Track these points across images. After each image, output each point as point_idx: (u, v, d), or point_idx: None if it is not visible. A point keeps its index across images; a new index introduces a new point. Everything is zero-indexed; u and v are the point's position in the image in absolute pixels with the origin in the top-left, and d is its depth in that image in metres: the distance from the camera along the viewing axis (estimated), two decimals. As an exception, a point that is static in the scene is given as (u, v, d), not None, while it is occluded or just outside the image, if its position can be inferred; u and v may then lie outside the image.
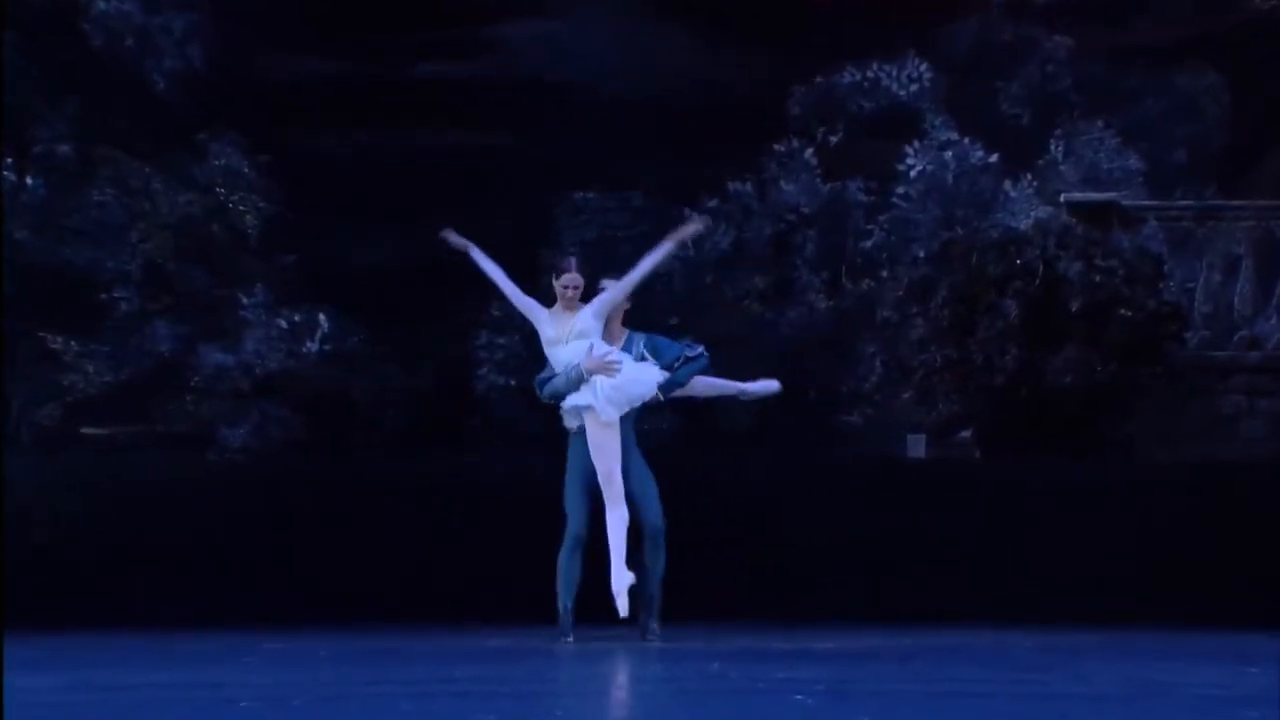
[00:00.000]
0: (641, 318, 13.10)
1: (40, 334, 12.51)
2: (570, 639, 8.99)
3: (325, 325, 12.70)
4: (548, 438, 13.03)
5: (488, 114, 13.14)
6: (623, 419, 9.01)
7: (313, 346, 12.33)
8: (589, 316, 8.87)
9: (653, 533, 8.99)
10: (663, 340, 9.27)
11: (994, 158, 13.15)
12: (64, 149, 12.58)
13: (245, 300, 12.80)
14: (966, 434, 12.90)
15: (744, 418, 12.97)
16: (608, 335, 9.01)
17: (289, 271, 12.98)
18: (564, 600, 9.07)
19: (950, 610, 10.83)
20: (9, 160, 12.45)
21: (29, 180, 12.53)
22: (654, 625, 9.00)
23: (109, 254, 12.61)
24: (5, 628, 8.64)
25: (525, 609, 9.43)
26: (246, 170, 12.87)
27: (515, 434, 13.01)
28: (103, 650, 9.09)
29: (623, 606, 8.66)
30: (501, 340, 13.18)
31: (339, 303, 13.04)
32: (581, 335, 8.91)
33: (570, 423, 9.14)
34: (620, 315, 9.13)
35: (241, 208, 12.90)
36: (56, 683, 7.22)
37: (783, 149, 13.17)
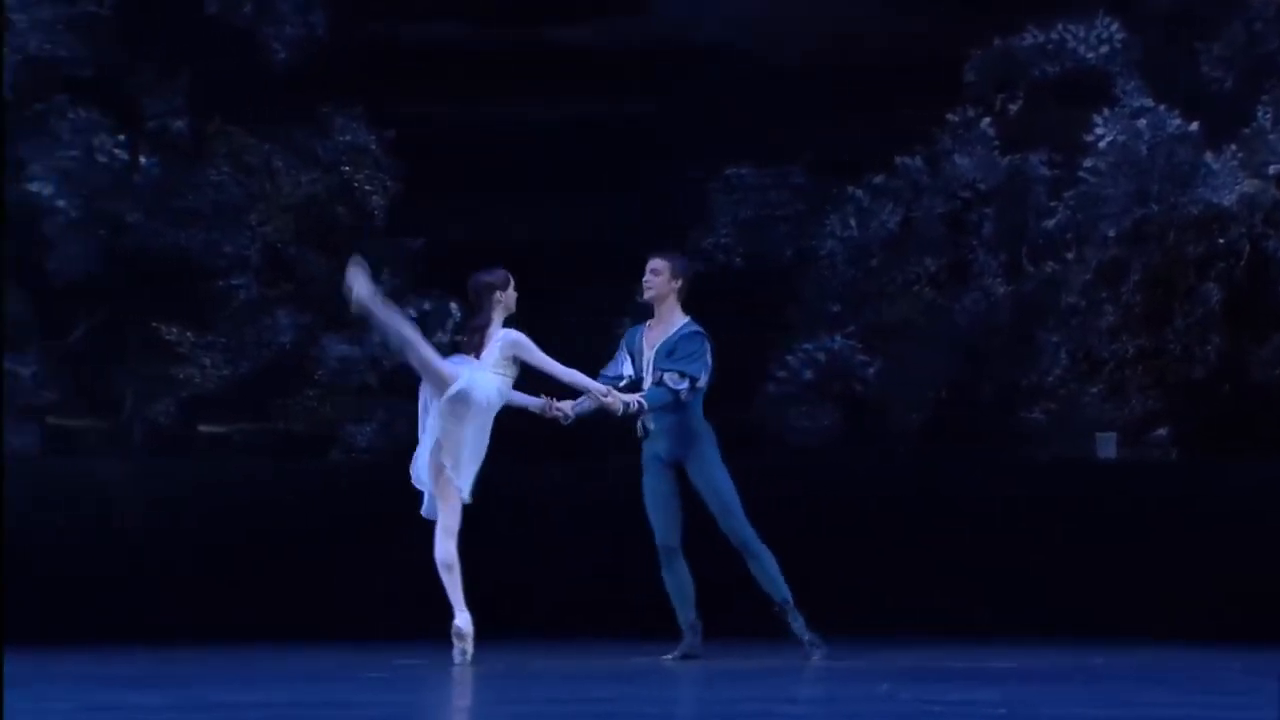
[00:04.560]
0: (796, 303, 13.10)
1: (153, 324, 12.72)
2: (696, 655, 9.06)
3: (457, 314, 12.80)
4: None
5: (631, 82, 13.16)
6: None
7: (444, 337, 12.42)
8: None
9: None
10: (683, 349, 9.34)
11: (1193, 126, 12.95)
12: (178, 125, 12.76)
13: (371, 287, 12.93)
14: (1162, 433, 12.75)
15: (913, 415, 12.91)
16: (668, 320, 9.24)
17: (418, 255, 13.10)
18: (682, 615, 9.19)
19: (1142, 627, 10.73)
20: (120, 138, 12.65)
21: (142, 159, 12.73)
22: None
23: (226, 238, 12.78)
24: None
25: (658, 624, 9.49)
26: (373, 146, 12.99)
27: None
28: (211, 666, 9.26)
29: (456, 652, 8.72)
30: (647, 329, 13.21)
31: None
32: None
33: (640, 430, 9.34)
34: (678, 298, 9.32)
35: (368, 187, 13.02)
36: (166, 701, 7.37)
37: (956, 119, 13.07)
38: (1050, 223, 12.90)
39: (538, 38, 13.32)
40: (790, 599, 9.24)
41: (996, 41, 13.06)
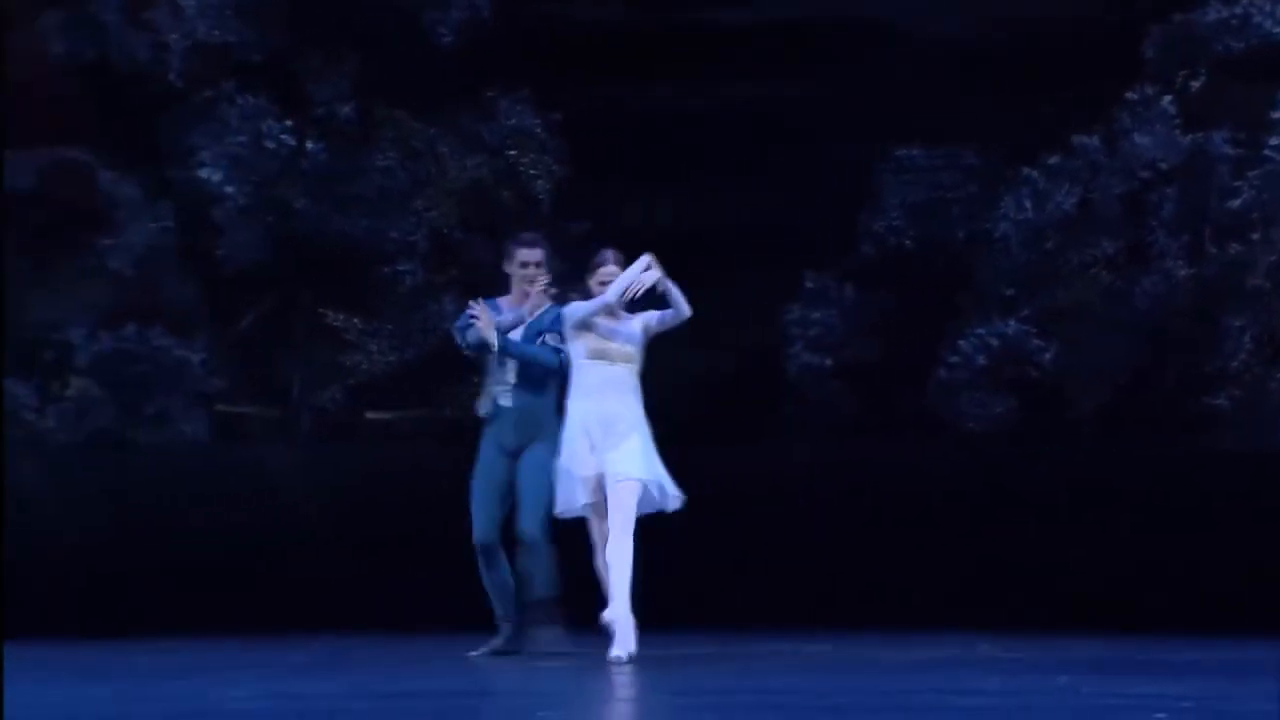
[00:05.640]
0: (969, 287, 13.00)
1: (320, 310, 12.88)
2: (512, 652, 8.84)
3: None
4: (867, 424, 13.05)
5: (797, 62, 13.13)
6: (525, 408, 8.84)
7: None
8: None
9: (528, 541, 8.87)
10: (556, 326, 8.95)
11: (1384, 101, 12.69)
12: (345, 110, 12.90)
13: (538, 272, 13.01)
14: (1354, 419, 12.53)
15: (1090, 401, 12.77)
16: (522, 308, 8.94)
17: (583, 240, 13.15)
18: (501, 610, 8.92)
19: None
20: (288, 123, 12.82)
21: (309, 145, 12.88)
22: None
23: (392, 224, 12.90)
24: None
25: (854, 611, 9.47)
26: (538, 130, 13.06)
27: (830, 420, 13.02)
28: (385, 654, 9.38)
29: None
30: (816, 315, 13.19)
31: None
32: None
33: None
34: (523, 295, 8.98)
35: (532, 171, 13.09)
36: (341, 688, 7.49)
37: (1135, 96, 12.89)
38: (1234, 203, 12.70)
39: (702, 20, 13.33)
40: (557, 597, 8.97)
41: (1177, 16, 12.86)
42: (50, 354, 12.46)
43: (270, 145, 12.72)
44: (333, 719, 6.36)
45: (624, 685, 7.57)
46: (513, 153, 13.07)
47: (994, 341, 12.84)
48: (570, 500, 8.63)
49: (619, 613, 8.41)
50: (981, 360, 12.82)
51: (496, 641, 8.96)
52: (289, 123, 12.79)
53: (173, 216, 12.68)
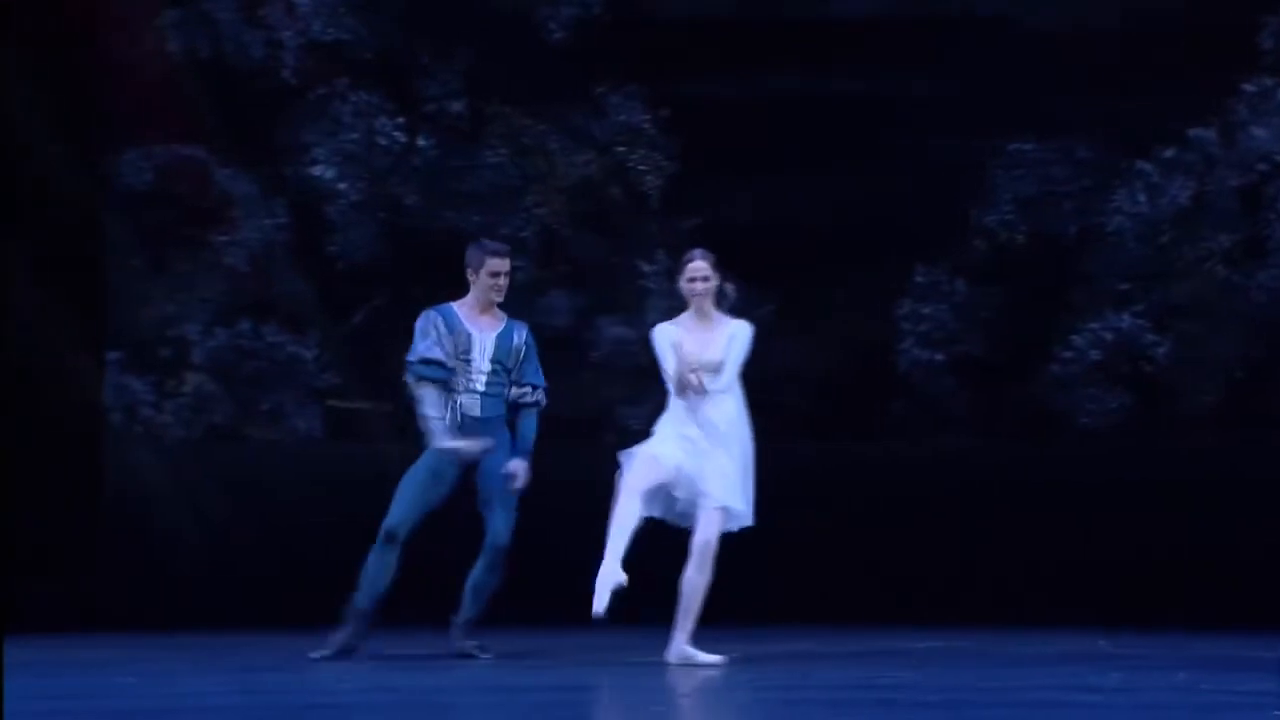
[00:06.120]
0: (1082, 282, 12.95)
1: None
2: (354, 649, 8.72)
3: (732, 295, 12.87)
4: (978, 419, 13.02)
5: (908, 56, 13.10)
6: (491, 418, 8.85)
7: (718, 318, 12.49)
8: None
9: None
10: (534, 350, 9.06)
11: None
12: (455, 107, 13.03)
13: (646, 268, 13.09)
14: None
15: (1206, 397, 12.68)
16: (483, 316, 8.88)
17: (691, 235, 13.19)
18: (364, 602, 8.81)
19: None
20: (400, 120, 12.97)
21: (420, 141, 13.03)
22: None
23: (502, 219, 13.01)
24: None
25: (966, 607, 9.46)
26: (647, 126, 13.12)
27: (941, 415, 12.99)
28: (507, 648, 9.45)
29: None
30: (927, 309, 13.17)
31: (746, 269, 13.16)
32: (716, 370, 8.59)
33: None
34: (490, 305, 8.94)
35: (642, 167, 13.16)
36: (455, 682, 7.57)
37: (1253, 88, 12.79)
38: (1356, 196, 12.58)
39: (812, 14, 13.33)
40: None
41: (1296, 5, 12.75)
42: (167, 350, 12.68)
43: (382, 142, 12.87)
44: (450, 713, 6.43)
45: (733, 682, 7.60)
46: (622, 149, 13.14)
47: (1108, 336, 12.78)
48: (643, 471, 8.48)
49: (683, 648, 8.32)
50: (1095, 355, 12.77)
51: (340, 637, 8.81)
52: (401, 120, 12.94)
53: (287, 213, 12.86)
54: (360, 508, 11.60)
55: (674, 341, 8.64)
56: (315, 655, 8.75)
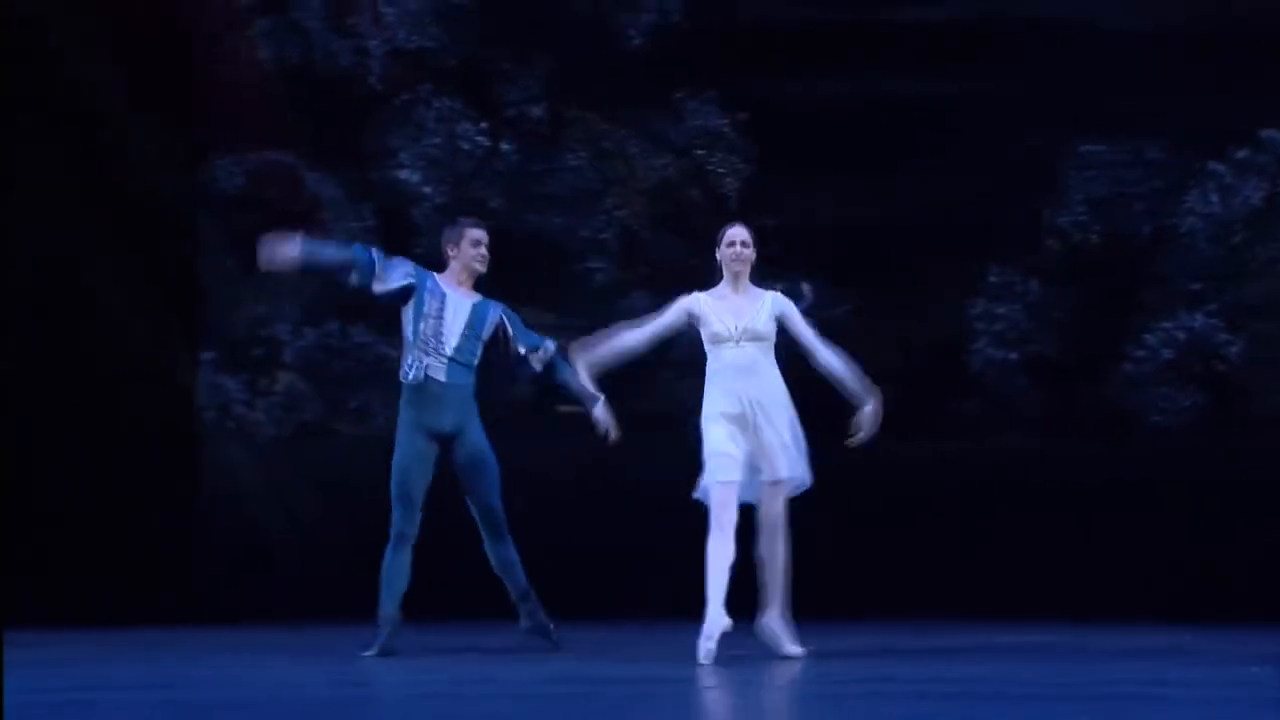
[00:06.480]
0: (1155, 282, 12.97)
1: (513, 307, 13.16)
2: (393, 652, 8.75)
3: (809, 295, 13.02)
4: (1051, 418, 13.07)
5: (982, 57, 13.15)
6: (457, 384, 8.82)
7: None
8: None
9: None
10: (519, 321, 9.18)
11: None
12: (536, 111, 13.25)
13: (728, 270, 13.19)
14: None
15: (1278, 397, 12.72)
16: (461, 287, 8.95)
17: (768, 236, 13.30)
18: (389, 605, 8.84)
19: None
20: (482, 125, 13.19)
21: (502, 146, 13.26)
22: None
23: (583, 222, 13.21)
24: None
25: (1045, 603, 9.46)
26: (725, 129, 13.28)
27: (1014, 414, 13.06)
28: (576, 640, 9.61)
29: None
30: (1000, 309, 13.25)
31: (823, 269, 13.29)
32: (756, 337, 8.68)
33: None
34: (471, 278, 8.99)
35: (720, 170, 13.32)
36: (537, 674, 7.72)
37: (1327, 88, 12.84)
38: None
39: (887, 16, 13.40)
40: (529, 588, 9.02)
41: (1369, 5, 12.79)
42: (259, 350, 12.96)
43: (465, 146, 13.11)
44: (524, 704, 6.56)
45: (821, 677, 7.68)
46: (700, 152, 13.30)
47: (1180, 335, 12.83)
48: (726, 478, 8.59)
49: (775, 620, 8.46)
50: (1168, 354, 12.82)
51: (380, 641, 8.90)
52: (483, 124, 13.16)
53: (374, 216, 13.12)
54: (445, 502, 11.83)
55: (697, 312, 8.69)
56: (365, 654, 8.86)
